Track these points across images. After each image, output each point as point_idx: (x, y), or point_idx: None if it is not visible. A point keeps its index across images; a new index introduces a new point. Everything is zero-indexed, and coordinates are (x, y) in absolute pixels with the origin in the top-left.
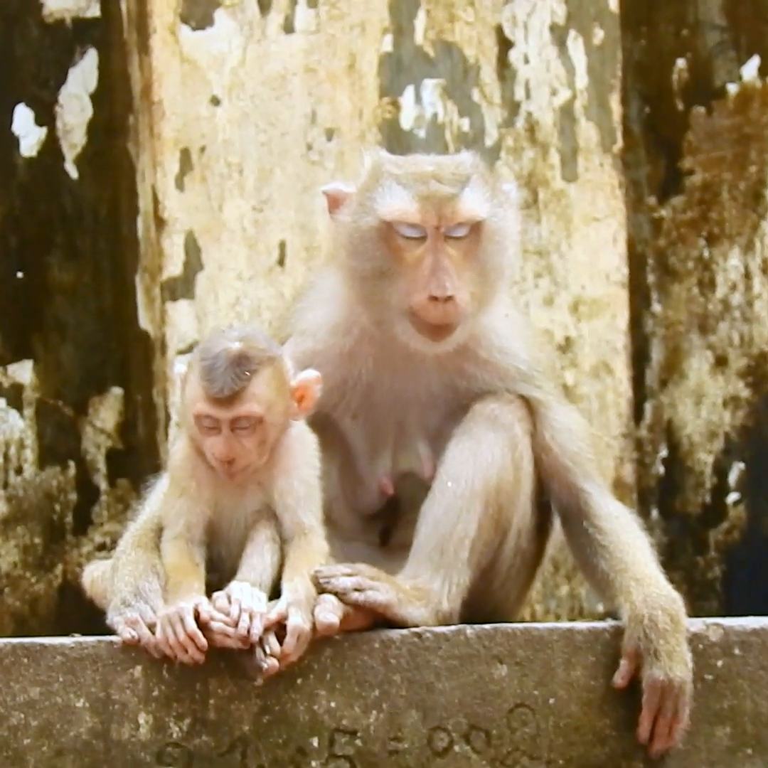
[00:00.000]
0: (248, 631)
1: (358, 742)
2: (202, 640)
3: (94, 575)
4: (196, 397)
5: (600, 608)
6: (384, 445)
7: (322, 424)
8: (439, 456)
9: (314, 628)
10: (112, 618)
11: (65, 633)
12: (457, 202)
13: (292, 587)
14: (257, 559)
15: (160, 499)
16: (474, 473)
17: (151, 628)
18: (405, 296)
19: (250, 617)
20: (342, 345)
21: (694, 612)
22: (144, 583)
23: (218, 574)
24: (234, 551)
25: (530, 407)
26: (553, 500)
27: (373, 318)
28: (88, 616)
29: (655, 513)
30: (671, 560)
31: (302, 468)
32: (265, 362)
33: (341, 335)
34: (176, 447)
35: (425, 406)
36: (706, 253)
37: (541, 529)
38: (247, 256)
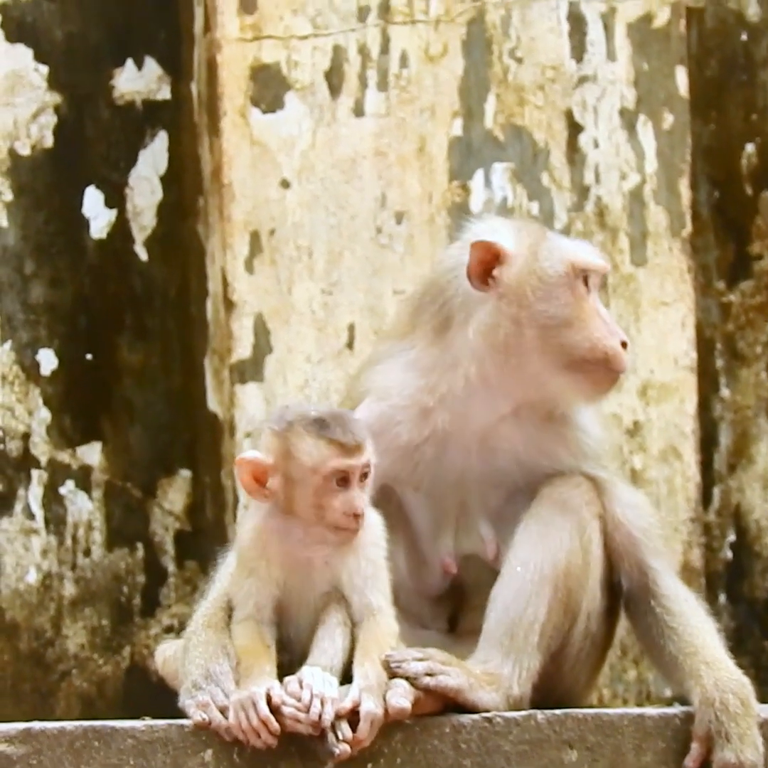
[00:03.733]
0: (319, 717)
1: None
2: (275, 725)
3: (166, 654)
4: (325, 457)
5: (668, 693)
6: (446, 525)
7: (386, 498)
8: (501, 538)
9: (386, 712)
10: (184, 701)
11: (132, 715)
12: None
13: (363, 672)
14: (328, 643)
15: (228, 577)
16: (543, 557)
17: (223, 711)
18: (597, 342)
19: (322, 703)
20: (422, 404)
21: (761, 697)
22: (214, 665)
23: (288, 656)
24: (303, 634)
25: (597, 488)
26: (623, 579)
27: (501, 370)
28: (155, 698)
29: (722, 598)
30: (739, 645)
31: (369, 548)
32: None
33: (424, 394)
34: (246, 527)
35: (489, 484)
36: None
37: (610, 613)
38: (316, 338)
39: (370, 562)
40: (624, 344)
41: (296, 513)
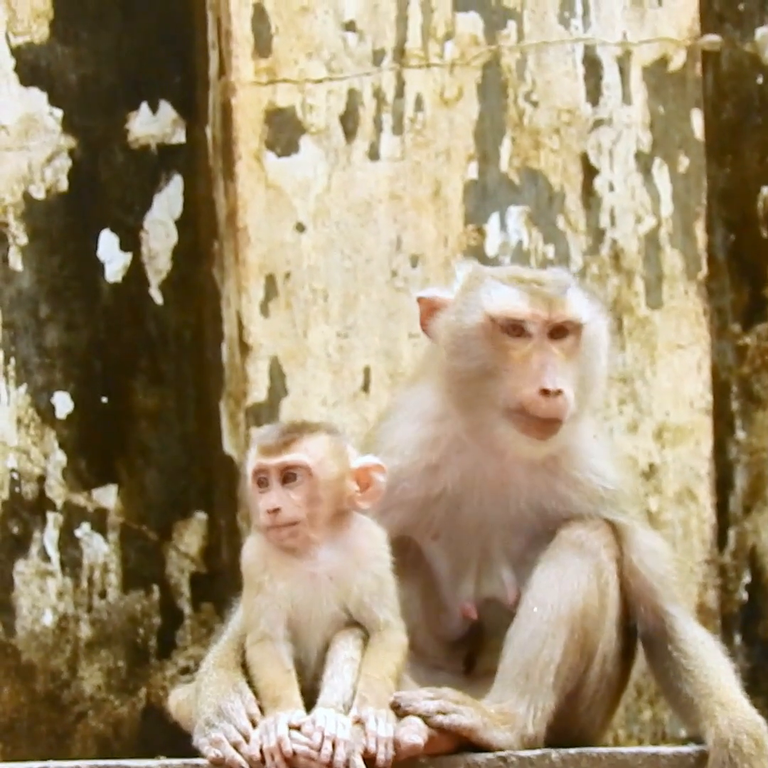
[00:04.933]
0: (332, 759)
1: None
2: (288, 747)
3: (179, 698)
4: (249, 461)
5: (683, 733)
6: (467, 570)
7: (404, 546)
8: (522, 582)
9: (398, 748)
10: (198, 739)
11: (148, 756)
12: (565, 301)
13: (359, 702)
14: (338, 680)
15: (239, 618)
16: (560, 599)
17: (236, 746)
18: (513, 392)
19: (333, 746)
20: (427, 460)
21: None
22: (226, 703)
23: (301, 681)
24: (313, 660)
25: (616, 532)
26: (638, 623)
27: (470, 424)
28: (171, 740)
29: (738, 639)
30: (754, 686)
31: (373, 562)
32: (321, 428)
33: (427, 450)
34: (246, 545)
35: (510, 530)
36: None
37: (625, 654)
38: (332, 382)
39: (376, 578)
40: (545, 391)
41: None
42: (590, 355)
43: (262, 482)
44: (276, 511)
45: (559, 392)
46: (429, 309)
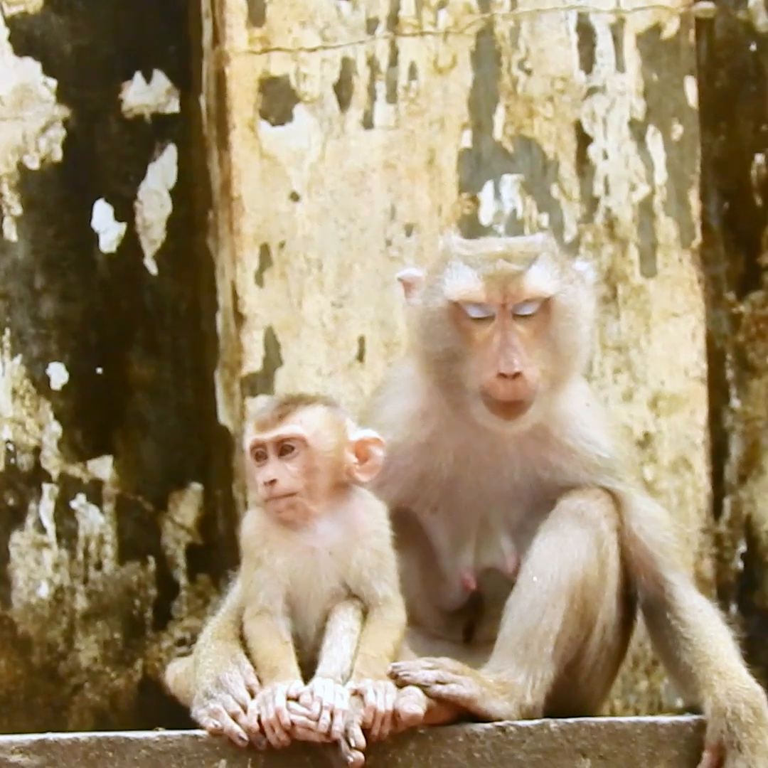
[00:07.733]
0: (330, 729)
1: None
2: (287, 718)
3: (177, 672)
4: (247, 436)
5: (679, 703)
6: (466, 540)
7: (403, 519)
8: (521, 551)
9: (398, 718)
10: (196, 711)
11: (145, 728)
12: (523, 279)
13: (356, 677)
14: (336, 651)
15: (238, 591)
16: (560, 569)
17: (234, 717)
18: (475, 376)
19: (332, 715)
20: (419, 436)
21: None
22: (225, 674)
23: (298, 653)
24: (312, 633)
25: (616, 500)
26: (638, 591)
27: (450, 402)
28: (168, 712)
29: (734, 608)
30: (751, 656)
31: (372, 537)
32: (318, 400)
33: (419, 426)
34: (246, 519)
35: (508, 500)
36: None
37: (625, 625)
38: (327, 351)
39: (375, 553)
40: (503, 375)
41: None
42: (565, 325)
43: (259, 456)
44: (273, 482)
45: (517, 375)
46: (407, 289)
